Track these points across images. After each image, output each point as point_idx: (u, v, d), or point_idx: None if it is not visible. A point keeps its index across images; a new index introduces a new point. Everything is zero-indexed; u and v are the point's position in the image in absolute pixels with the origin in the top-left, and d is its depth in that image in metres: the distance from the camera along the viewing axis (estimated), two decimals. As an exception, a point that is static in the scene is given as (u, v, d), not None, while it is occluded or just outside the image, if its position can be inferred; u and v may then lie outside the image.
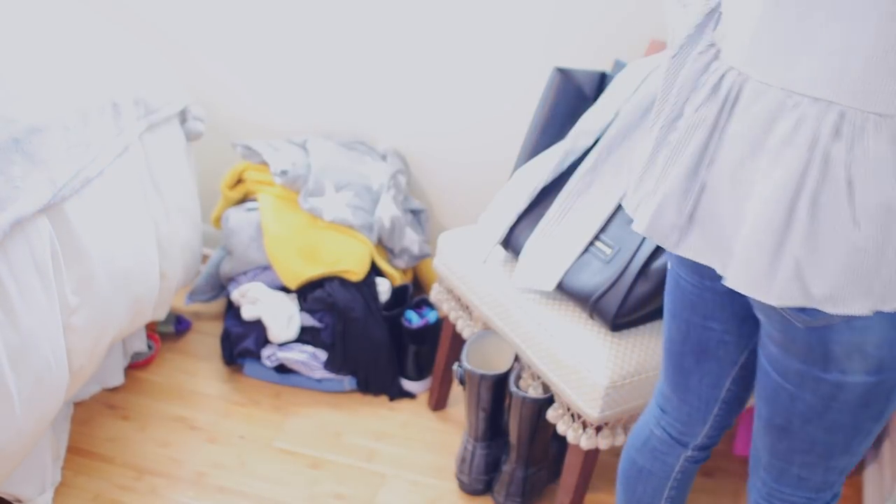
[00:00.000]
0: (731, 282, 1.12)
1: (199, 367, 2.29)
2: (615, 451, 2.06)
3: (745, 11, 1.10)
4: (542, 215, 1.75)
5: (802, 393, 1.20)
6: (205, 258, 2.56)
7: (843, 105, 1.02)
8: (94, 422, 2.11)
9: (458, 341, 2.08)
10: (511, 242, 1.80)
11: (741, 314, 1.31)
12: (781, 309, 1.12)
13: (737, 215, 1.10)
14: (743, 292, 1.11)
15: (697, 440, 1.46)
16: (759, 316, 1.21)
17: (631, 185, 1.25)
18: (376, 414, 2.19)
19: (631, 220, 1.66)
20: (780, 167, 1.05)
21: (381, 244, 2.29)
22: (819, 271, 1.05)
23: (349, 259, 2.15)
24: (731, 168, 1.10)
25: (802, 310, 1.10)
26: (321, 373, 2.20)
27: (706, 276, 1.29)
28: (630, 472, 1.52)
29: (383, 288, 2.21)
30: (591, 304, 1.66)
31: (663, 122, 1.18)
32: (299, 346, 2.18)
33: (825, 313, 1.08)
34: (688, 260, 1.28)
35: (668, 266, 1.36)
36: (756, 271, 1.08)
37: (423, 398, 2.24)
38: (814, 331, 1.13)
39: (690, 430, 1.45)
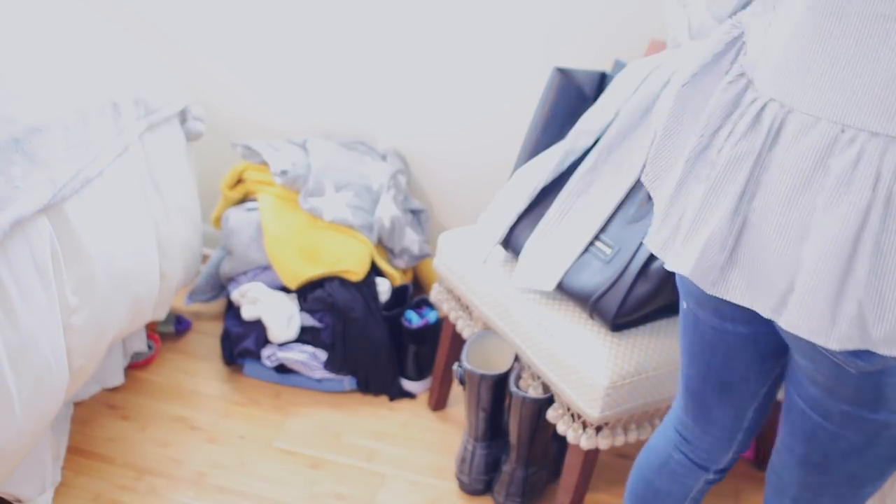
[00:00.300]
0: (788, 325, 1.06)
1: (199, 367, 2.29)
2: (615, 451, 2.06)
3: (783, 41, 1.05)
4: (542, 215, 1.75)
5: (845, 432, 1.17)
6: (205, 258, 2.56)
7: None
8: (94, 422, 2.11)
9: (458, 341, 2.08)
10: (511, 242, 1.80)
11: (763, 353, 1.28)
12: (833, 354, 1.08)
13: (787, 256, 1.04)
14: (803, 336, 1.05)
15: (720, 465, 1.46)
16: (801, 359, 1.16)
17: (654, 224, 1.19)
18: (376, 414, 2.19)
19: (631, 220, 1.67)
20: (840, 207, 0.99)
21: (381, 244, 2.29)
22: (882, 313, 1.00)
23: (349, 259, 2.15)
24: (778, 205, 1.04)
25: (856, 354, 1.06)
26: (321, 373, 2.20)
27: (727, 319, 1.24)
28: (645, 492, 1.51)
29: (383, 288, 2.21)
30: (591, 304, 1.66)
31: (689, 155, 1.12)
32: (299, 346, 2.18)
33: (881, 357, 1.04)
34: (710, 301, 1.22)
35: (684, 305, 1.31)
36: (817, 315, 1.03)
37: (423, 398, 2.24)
38: (866, 375, 1.09)
39: (713, 457, 1.45)
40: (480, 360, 1.96)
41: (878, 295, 1.00)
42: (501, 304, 1.81)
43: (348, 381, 2.22)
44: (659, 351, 1.68)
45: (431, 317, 2.23)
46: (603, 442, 1.71)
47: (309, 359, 2.18)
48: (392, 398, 2.24)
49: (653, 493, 1.50)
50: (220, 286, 2.36)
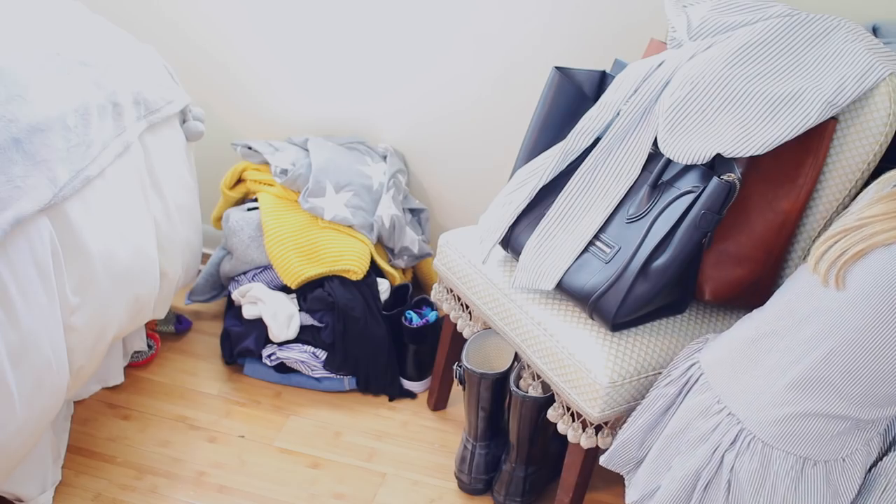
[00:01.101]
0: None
1: (199, 367, 2.29)
2: (615, 451, 2.06)
3: (731, 349, 1.53)
4: (541, 215, 1.75)
5: None
6: (205, 258, 2.57)
7: (744, 426, 1.44)
8: (94, 421, 2.11)
9: (458, 341, 2.08)
10: (511, 242, 1.80)
11: None
12: None
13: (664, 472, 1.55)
14: None
15: None
16: None
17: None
18: (376, 414, 2.19)
19: (630, 220, 1.67)
20: (692, 456, 1.48)
21: (380, 244, 2.29)
22: None
23: (349, 258, 2.15)
24: (667, 436, 1.54)
25: None
26: (321, 372, 2.20)
27: None
28: None
29: (383, 287, 2.21)
30: (590, 303, 1.66)
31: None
32: (299, 345, 2.19)
33: None
34: None
35: None
36: None
37: (423, 398, 2.25)
38: None
39: None
40: (480, 359, 1.96)
41: None
42: (501, 304, 1.82)
43: (348, 381, 2.22)
44: (659, 351, 1.68)
45: (431, 316, 2.23)
46: (603, 441, 1.71)
47: (309, 358, 2.18)
48: (392, 398, 2.24)
49: None
50: (220, 286, 2.37)
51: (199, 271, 2.33)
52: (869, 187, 1.52)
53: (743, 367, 1.48)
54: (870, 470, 1.45)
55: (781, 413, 1.42)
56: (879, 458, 1.45)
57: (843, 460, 1.42)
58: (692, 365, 1.56)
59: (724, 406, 1.47)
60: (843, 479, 1.42)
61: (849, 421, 1.39)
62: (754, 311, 1.56)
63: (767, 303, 1.54)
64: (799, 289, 1.48)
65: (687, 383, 1.55)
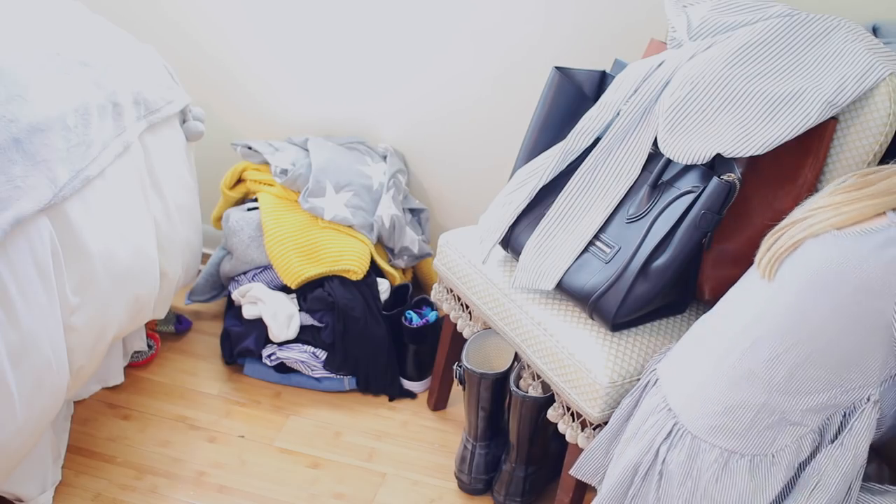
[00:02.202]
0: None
1: (199, 367, 2.29)
2: (615, 451, 2.06)
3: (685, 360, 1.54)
4: (541, 215, 1.75)
5: None
6: (205, 258, 2.57)
7: (679, 420, 1.47)
8: (94, 421, 2.11)
9: (458, 341, 2.08)
10: (511, 242, 1.80)
11: None
12: None
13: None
14: None
15: None
16: None
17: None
18: (376, 414, 2.19)
19: (630, 220, 1.67)
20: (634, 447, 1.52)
21: (380, 244, 2.29)
22: None
23: (349, 258, 2.15)
24: (624, 441, 1.55)
25: None
26: (321, 372, 2.20)
27: None
28: None
29: (383, 287, 2.22)
30: (590, 303, 1.66)
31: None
32: (299, 345, 2.19)
33: None
34: None
35: None
36: None
37: (423, 398, 2.25)
38: None
39: None
40: (480, 359, 1.96)
41: None
42: (501, 304, 1.82)
43: (348, 381, 2.22)
44: (659, 351, 1.68)
45: (431, 316, 2.23)
46: (603, 441, 1.71)
47: (309, 358, 2.18)
48: (392, 398, 2.24)
49: None
50: (220, 286, 2.37)
51: (199, 271, 2.33)
52: (826, 187, 1.52)
53: (685, 364, 1.51)
54: (805, 468, 1.43)
55: (710, 407, 1.43)
56: (813, 456, 1.43)
57: (773, 456, 1.41)
58: (651, 372, 1.59)
59: (667, 403, 1.50)
60: (770, 475, 1.42)
61: (776, 413, 1.39)
62: (706, 314, 1.57)
63: (720, 300, 1.56)
64: (743, 284, 1.50)
65: (645, 388, 1.57)
